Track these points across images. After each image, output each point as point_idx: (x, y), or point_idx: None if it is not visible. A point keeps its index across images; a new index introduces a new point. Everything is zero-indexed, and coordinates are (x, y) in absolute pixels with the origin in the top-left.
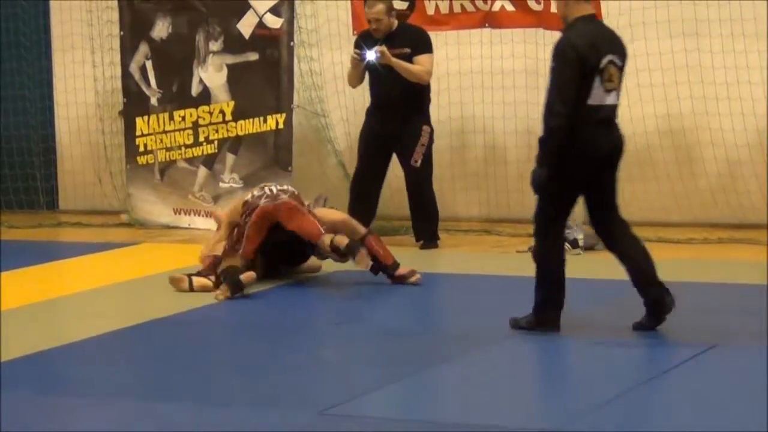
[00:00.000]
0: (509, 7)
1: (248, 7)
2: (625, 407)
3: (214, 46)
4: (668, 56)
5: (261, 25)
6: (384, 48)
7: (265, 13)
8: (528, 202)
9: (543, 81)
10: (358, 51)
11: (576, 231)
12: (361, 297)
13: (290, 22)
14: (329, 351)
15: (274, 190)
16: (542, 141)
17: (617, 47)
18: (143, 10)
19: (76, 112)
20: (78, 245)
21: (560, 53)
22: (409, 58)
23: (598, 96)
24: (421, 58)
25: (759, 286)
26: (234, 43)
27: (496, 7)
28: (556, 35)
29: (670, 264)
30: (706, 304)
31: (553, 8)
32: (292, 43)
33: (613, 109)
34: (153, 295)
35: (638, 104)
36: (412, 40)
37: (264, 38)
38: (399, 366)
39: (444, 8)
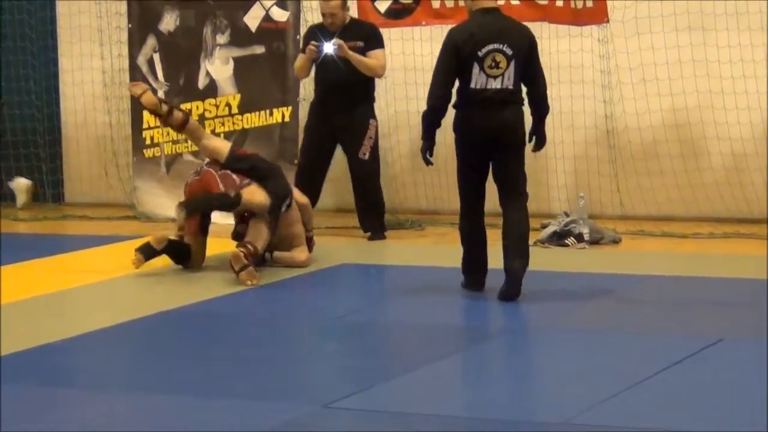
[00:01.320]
0: (515, 1)
1: (255, 0)
2: (632, 401)
3: (221, 39)
4: (674, 50)
5: (267, 18)
6: (342, 41)
7: (272, 6)
8: (533, 195)
9: (548, 75)
10: (315, 43)
11: (581, 225)
12: (364, 291)
13: (296, 15)
14: (333, 344)
15: (202, 167)
16: (422, 116)
17: (507, 37)
18: (151, 2)
19: (83, 104)
20: (84, 238)
21: (443, 42)
22: (362, 52)
23: (480, 81)
24: (376, 53)
25: (764, 281)
26: (240, 36)
27: (502, 0)
28: (562, 29)
29: (676, 258)
30: (711, 298)
31: (560, 1)
32: (298, 37)
33: (499, 92)
34: (158, 288)
35: (644, 98)
36: (366, 34)
37: (270, 31)
38: (405, 359)
39: (449, 1)
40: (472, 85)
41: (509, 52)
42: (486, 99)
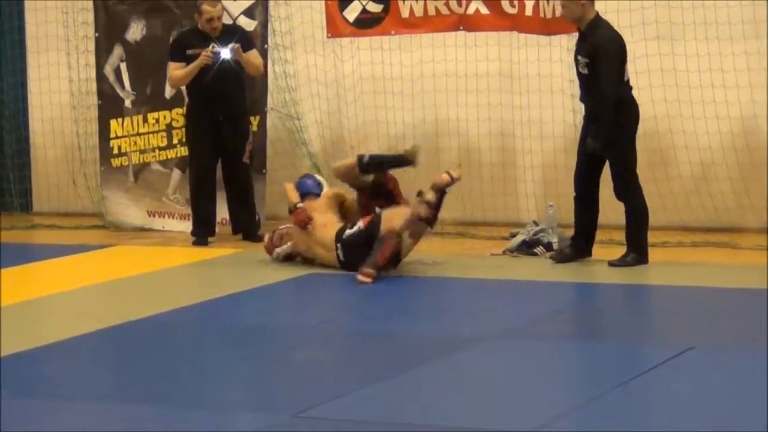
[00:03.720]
0: (484, 10)
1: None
2: (604, 409)
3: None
4: (642, 60)
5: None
6: (239, 45)
7: (239, 15)
8: (502, 205)
9: (517, 84)
10: (212, 50)
11: (551, 234)
12: (339, 299)
13: (264, 24)
14: (305, 353)
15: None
16: (607, 106)
17: None
18: (118, 11)
19: (50, 113)
20: (52, 247)
21: (615, 44)
22: None
23: (627, 74)
24: (255, 52)
25: (733, 289)
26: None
27: (471, 9)
28: (531, 38)
29: (645, 267)
30: (682, 307)
31: (529, 11)
32: (266, 46)
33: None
34: (127, 297)
35: None
36: (241, 36)
37: None
38: (376, 368)
39: (418, 11)
40: (626, 78)
41: None
42: (630, 88)
